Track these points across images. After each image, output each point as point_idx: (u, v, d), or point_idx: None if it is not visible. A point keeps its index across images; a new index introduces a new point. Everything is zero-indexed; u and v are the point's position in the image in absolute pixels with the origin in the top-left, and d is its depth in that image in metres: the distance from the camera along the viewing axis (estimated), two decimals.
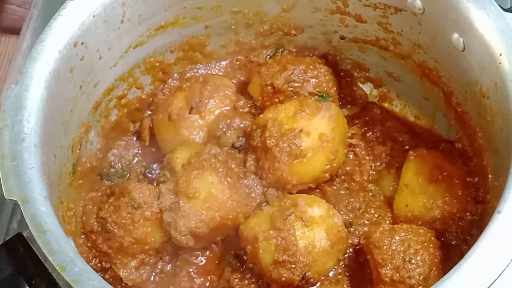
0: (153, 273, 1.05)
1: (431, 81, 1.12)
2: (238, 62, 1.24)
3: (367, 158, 1.15)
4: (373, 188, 1.13)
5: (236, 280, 1.03)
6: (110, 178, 1.14)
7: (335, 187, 1.11)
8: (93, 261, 1.03)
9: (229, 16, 1.17)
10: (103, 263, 1.03)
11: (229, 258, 1.06)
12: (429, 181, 1.05)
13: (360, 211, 1.10)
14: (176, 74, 1.21)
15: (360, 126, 1.19)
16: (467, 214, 1.03)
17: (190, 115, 1.13)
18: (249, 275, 1.03)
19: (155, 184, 1.07)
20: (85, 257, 1.00)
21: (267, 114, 1.09)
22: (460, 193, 1.04)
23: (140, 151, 1.19)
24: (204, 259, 1.06)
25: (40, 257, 0.84)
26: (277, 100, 1.14)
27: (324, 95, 1.13)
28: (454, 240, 1.03)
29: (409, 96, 1.22)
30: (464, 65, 1.01)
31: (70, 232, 0.98)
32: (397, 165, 1.12)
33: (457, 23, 0.98)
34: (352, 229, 1.08)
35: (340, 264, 1.05)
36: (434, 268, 0.96)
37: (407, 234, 0.98)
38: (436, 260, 0.97)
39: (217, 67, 1.24)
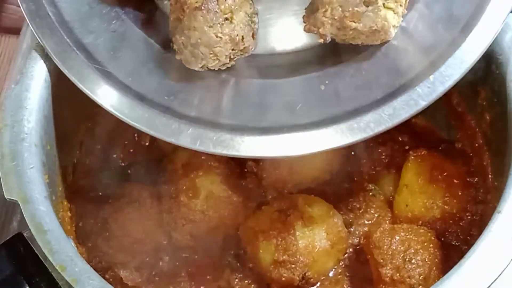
0: (153, 273, 1.05)
1: None
2: None
3: (367, 158, 1.15)
4: (373, 188, 1.12)
5: (236, 280, 1.03)
6: (110, 178, 1.14)
7: (335, 187, 1.11)
8: (93, 261, 1.03)
9: None
10: (103, 263, 1.03)
11: (229, 258, 1.06)
12: (429, 181, 1.05)
13: (360, 211, 1.10)
14: None
15: None
16: (467, 214, 1.03)
17: None
18: (249, 275, 1.03)
19: (155, 184, 1.07)
20: (85, 257, 1.00)
21: None
22: (460, 193, 1.04)
23: (140, 151, 1.19)
24: (204, 259, 1.06)
25: (40, 257, 0.84)
26: None
27: None
28: (454, 240, 1.03)
29: None
30: None
31: (70, 232, 0.98)
32: (397, 165, 1.12)
33: None
34: (352, 229, 1.08)
35: (340, 264, 1.05)
36: (434, 268, 0.96)
37: (407, 234, 0.98)
38: (436, 260, 0.97)
39: None
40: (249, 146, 0.84)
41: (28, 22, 0.91)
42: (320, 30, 0.85)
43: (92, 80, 0.88)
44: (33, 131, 0.91)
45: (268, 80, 0.90)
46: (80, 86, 0.88)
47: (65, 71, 0.89)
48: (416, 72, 0.86)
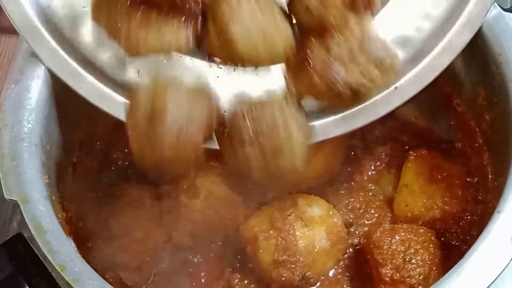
0: (153, 273, 1.05)
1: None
2: None
3: (367, 158, 1.15)
4: (373, 188, 1.12)
5: (236, 280, 1.03)
6: (110, 178, 1.14)
7: (335, 187, 1.11)
8: (93, 261, 1.02)
9: None
10: (103, 263, 1.03)
11: (229, 258, 1.06)
12: (429, 181, 1.05)
13: (360, 211, 1.10)
14: None
15: None
16: (467, 214, 1.03)
17: None
18: (249, 275, 1.03)
19: (155, 184, 1.07)
20: (85, 257, 1.00)
21: None
22: (460, 193, 1.04)
23: None
24: (204, 259, 1.06)
25: (40, 257, 0.84)
26: None
27: None
28: (454, 240, 1.03)
29: None
30: (464, 65, 1.01)
31: (70, 232, 0.98)
32: (397, 165, 1.12)
33: None
34: (352, 229, 1.08)
35: (340, 264, 1.05)
36: (434, 268, 0.96)
37: (407, 234, 0.98)
38: (436, 260, 0.97)
39: None
40: None
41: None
42: None
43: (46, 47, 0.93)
44: (33, 131, 0.91)
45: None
46: (45, 63, 0.93)
47: (31, 46, 0.93)
48: None
